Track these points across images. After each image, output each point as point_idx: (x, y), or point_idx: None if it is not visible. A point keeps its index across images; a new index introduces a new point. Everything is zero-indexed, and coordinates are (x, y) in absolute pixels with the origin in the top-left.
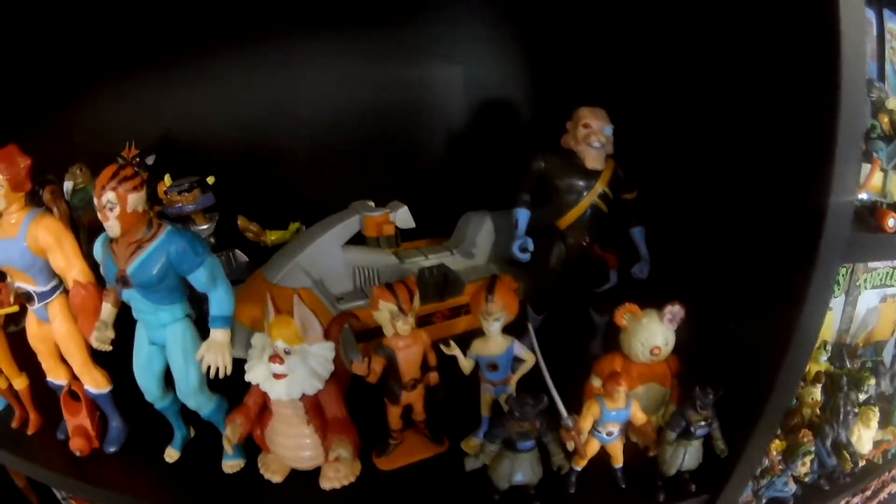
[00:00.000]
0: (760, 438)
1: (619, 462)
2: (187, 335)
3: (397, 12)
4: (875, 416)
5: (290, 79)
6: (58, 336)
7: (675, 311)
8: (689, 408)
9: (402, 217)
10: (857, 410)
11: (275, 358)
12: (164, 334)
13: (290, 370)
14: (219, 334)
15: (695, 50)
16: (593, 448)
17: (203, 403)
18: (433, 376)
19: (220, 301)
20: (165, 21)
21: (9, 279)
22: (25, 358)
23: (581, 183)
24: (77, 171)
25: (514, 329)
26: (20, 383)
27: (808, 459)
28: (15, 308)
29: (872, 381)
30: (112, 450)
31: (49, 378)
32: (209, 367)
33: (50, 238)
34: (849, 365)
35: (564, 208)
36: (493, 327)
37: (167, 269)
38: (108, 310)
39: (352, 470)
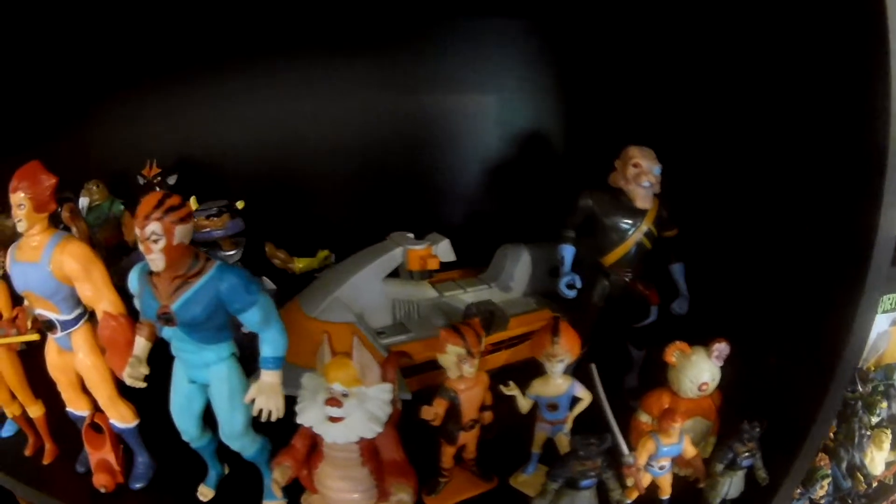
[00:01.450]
0: (800, 466)
1: (667, 494)
2: (233, 375)
3: (430, 42)
4: (888, 438)
5: (319, 105)
6: (82, 367)
7: (721, 348)
8: (737, 440)
9: (444, 250)
10: (870, 433)
11: (332, 401)
12: (207, 374)
13: (348, 413)
14: (270, 376)
15: (735, 82)
16: (646, 482)
17: (247, 445)
18: (488, 415)
19: (272, 341)
20: (186, 41)
21: (26, 304)
22: (40, 383)
23: (628, 221)
24: (93, 187)
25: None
26: (36, 411)
27: (825, 483)
28: (34, 336)
29: (885, 405)
30: (138, 486)
31: (69, 409)
32: (260, 410)
33: (77, 265)
34: (861, 389)
35: (610, 246)
36: (557, 368)
37: (216, 307)
38: (142, 345)
39: None
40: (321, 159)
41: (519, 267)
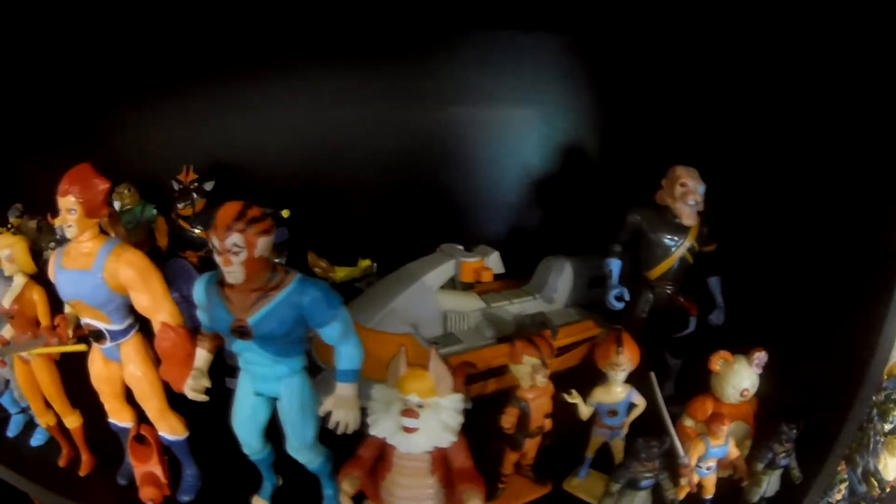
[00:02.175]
0: (831, 467)
1: (710, 494)
2: (306, 388)
3: (470, 53)
4: None
5: (358, 113)
6: (132, 379)
7: (761, 356)
8: (775, 441)
9: (494, 262)
10: (883, 440)
11: (409, 412)
12: (277, 387)
13: (422, 424)
14: (347, 389)
15: (765, 94)
16: (694, 481)
17: (314, 457)
18: (549, 422)
19: (350, 355)
20: (222, 45)
21: (67, 310)
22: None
23: (674, 237)
24: (125, 191)
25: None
26: (73, 421)
27: (843, 487)
28: (81, 347)
29: None
30: (187, 499)
31: (112, 420)
32: (332, 423)
33: (134, 274)
34: (874, 398)
35: (655, 260)
36: (620, 377)
37: (295, 322)
38: (203, 357)
39: None
40: (358, 168)
41: (562, 279)
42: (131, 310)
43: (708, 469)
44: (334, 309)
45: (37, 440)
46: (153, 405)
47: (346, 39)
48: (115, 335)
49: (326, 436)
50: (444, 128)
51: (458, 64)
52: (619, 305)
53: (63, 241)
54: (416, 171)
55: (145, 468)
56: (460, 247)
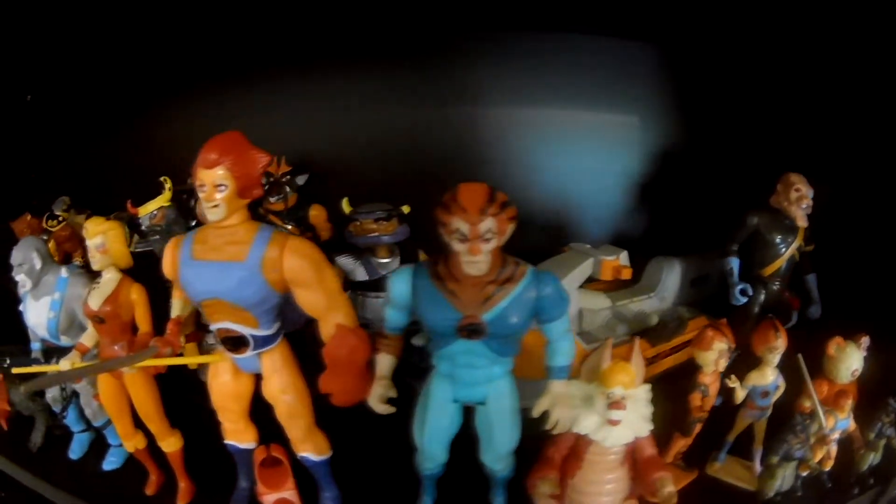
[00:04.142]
0: None
1: (831, 464)
2: (514, 390)
3: (570, 60)
4: None
5: (449, 112)
6: (275, 394)
7: (866, 341)
8: (883, 413)
9: (625, 260)
10: None
11: (617, 405)
12: (483, 391)
13: (624, 416)
14: (562, 385)
15: (853, 99)
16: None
17: (509, 464)
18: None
19: (568, 351)
20: (301, 37)
21: (177, 314)
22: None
23: (787, 237)
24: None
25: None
26: (172, 444)
27: None
28: (217, 358)
29: None
30: None
31: (231, 441)
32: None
33: (306, 266)
34: None
35: (769, 259)
36: (775, 360)
37: (530, 316)
38: (389, 362)
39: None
40: (446, 166)
41: (672, 278)
42: (280, 312)
43: (833, 440)
44: (566, 303)
45: (111, 463)
46: (300, 423)
47: (422, 35)
48: (260, 342)
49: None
50: (542, 132)
51: (558, 68)
52: (744, 300)
53: (150, 233)
54: (518, 176)
55: (278, 495)
56: (587, 246)
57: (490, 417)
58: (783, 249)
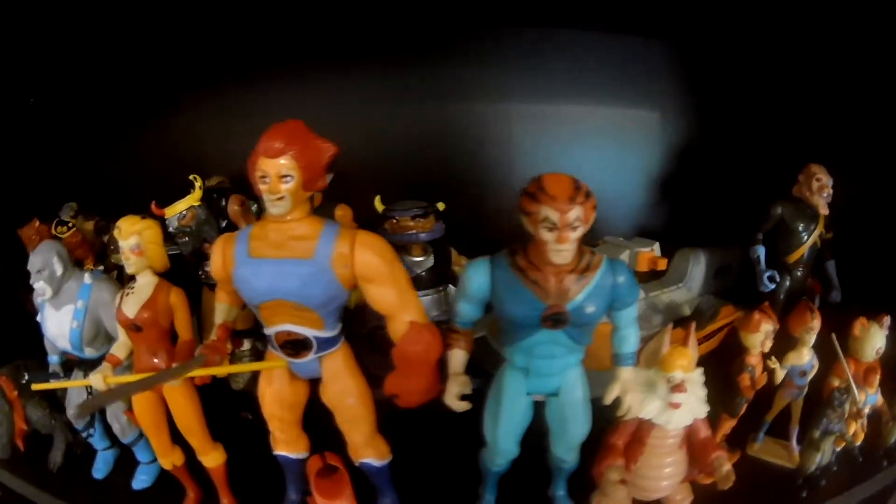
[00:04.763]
0: None
1: (860, 439)
2: (585, 379)
3: (589, 57)
4: None
5: (474, 110)
6: (338, 399)
7: (887, 321)
8: None
9: (658, 251)
10: None
11: (680, 387)
12: (556, 382)
13: (685, 398)
14: (630, 372)
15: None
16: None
17: (577, 455)
18: None
19: (636, 337)
20: (316, 36)
21: (223, 320)
22: None
23: (810, 225)
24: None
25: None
26: (214, 459)
27: None
28: (280, 364)
29: None
30: None
31: (282, 452)
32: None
33: (379, 263)
34: None
35: (794, 247)
36: (812, 340)
37: (608, 305)
38: (462, 359)
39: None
40: (470, 163)
41: (698, 269)
42: (343, 312)
43: (864, 415)
44: (637, 291)
45: (141, 482)
46: (363, 428)
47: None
48: (324, 344)
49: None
50: (565, 128)
51: (583, 65)
52: (772, 286)
53: (179, 235)
54: (543, 171)
55: None
56: (620, 238)
57: (563, 408)
58: (806, 237)
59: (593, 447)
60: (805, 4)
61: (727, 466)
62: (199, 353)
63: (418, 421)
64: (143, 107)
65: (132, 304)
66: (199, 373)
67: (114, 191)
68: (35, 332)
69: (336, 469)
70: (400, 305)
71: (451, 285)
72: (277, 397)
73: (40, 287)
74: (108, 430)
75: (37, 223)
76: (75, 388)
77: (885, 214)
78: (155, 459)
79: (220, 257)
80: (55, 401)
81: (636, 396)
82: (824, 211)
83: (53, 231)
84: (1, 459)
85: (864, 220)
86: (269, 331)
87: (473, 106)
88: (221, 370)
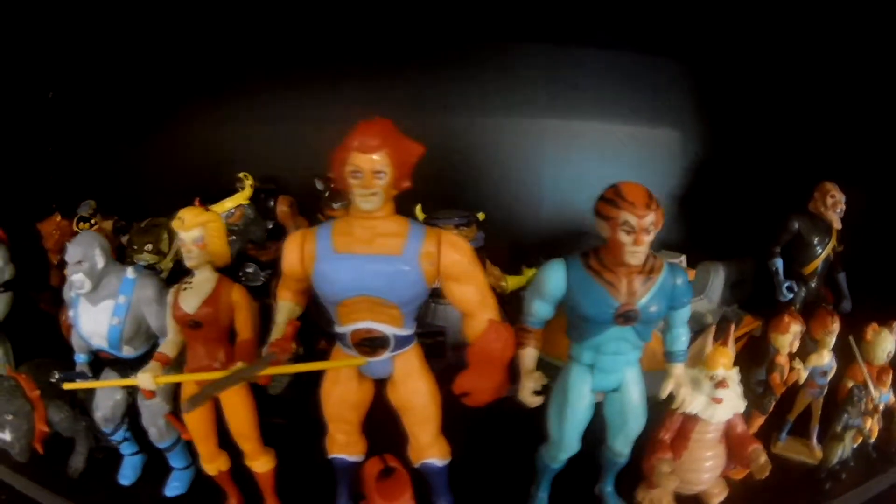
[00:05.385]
0: None
1: (875, 435)
2: (642, 376)
3: (607, 76)
4: None
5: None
6: (409, 398)
7: None
8: None
9: (685, 263)
10: None
11: (723, 384)
12: (617, 378)
13: (727, 394)
14: (681, 368)
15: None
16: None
17: (631, 449)
18: None
19: (687, 335)
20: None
21: (285, 312)
22: None
23: (824, 239)
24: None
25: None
26: (265, 464)
27: None
28: (360, 361)
29: None
30: None
31: (340, 455)
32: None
33: (464, 261)
34: None
35: (809, 259)
36: (832, 342)
37: (669, 304)
38: (534, 356)
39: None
40: (490, 175)
41: (717, 281)
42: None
43: (880, 412)
44: (691, 292)
45: (174, 489)
46: (431, 428)
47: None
48: (400, 342)
49: None
50: (588, 143)
51: (601, 83)
52: (790, 295)
53: (243, 231)
54: (565, 186)
55: None
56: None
57: (624, 404)
58: (820, 250)
59: (637, 444)
60: (819, 26)
61: (764, 458)
62: (269, 351)
63: (468, 422)
64: (161, 108)
65: (191, 300)
66: (277, 370)
67: (130, 192)
68: (45, 332)
69: (394, 471)
70: (480, 304)
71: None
72: (344, 398)
73: (78, 279)
74: (135, 435)
75: (58, 217)
76: (104, 389)
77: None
78: (189, 466)
79: (298, 252)
80: (77, 402)
81: (688, 391)
82: (837, 225)
83: (75, 227)
84: (18, 464)
85: (872, 234)
86: (345, 329)
87: (498, 120)
88: (292, 368)
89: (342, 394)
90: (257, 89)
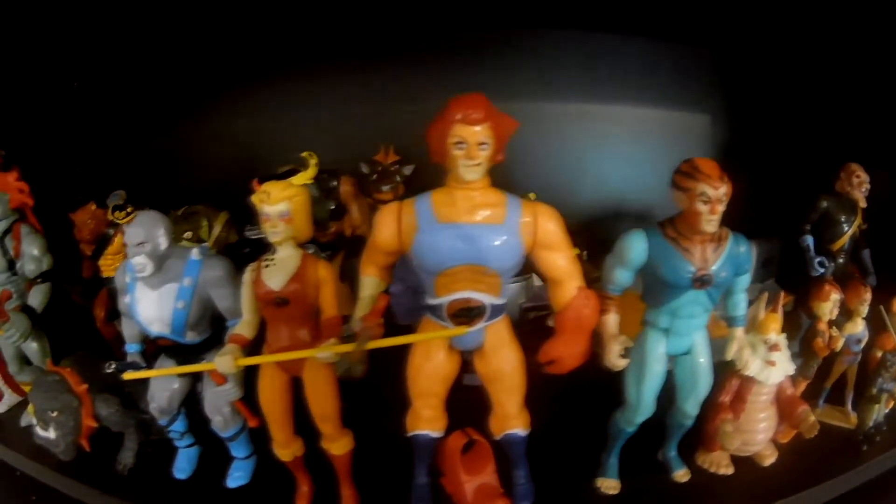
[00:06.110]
0: None
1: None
2: (709, 339)
3: (636, 62)
4: None
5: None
6: (499, 368)
7: None
8: None
9: None
10: None
11: (776, 347)
12: (688, 342)
13: (780, 357)
14: (743, 332)
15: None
16: None
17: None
18: None
19: (745, 302)
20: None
21: (371, 287)
22: None
23: (850, 217)
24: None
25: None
26: (343, 446)
27: None
28: (461, 330)
29: None
30: None
31: (423, 430)
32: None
33: (558, 230)
34: None
35: (837, 236)
36: (865, 311)
37: (735, 270)
38: (616, 321)
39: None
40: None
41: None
42: None
43: None
44: (752, 259)
45: (236, 479)
46: (517, 398)
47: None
48: (496, 311)
49: None
50: (607, 129)
51: (626, 69)
52: (822, 270)
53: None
54: (593, 171)
55: (478, 481)
56: None
57: (695, 366)
58: (847, 228)
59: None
60: (844, 10)
61: (812, 418)
62: (364, 327)
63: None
64: (190, 96)
65: (277, 277)
66: (376, 344)
67: (158, 182)
68: (77, 325)
69: (476, 444)
70: (570, 272)
71: (534, 274)
72: (435, 371)
73: (140, 262)
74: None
75: (93, 206)
76: (160, 379)
77: None
78: (251, 455)
79: (395, 225)
80: (125, 396)
81: (749, 353)
82: (863, 204)
83: (111, 216)
84: (61, 463)
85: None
86: (442, 300)
87: (534, 105)
88: (392, 342)
89: (434, 368)
90: (289, 76)
